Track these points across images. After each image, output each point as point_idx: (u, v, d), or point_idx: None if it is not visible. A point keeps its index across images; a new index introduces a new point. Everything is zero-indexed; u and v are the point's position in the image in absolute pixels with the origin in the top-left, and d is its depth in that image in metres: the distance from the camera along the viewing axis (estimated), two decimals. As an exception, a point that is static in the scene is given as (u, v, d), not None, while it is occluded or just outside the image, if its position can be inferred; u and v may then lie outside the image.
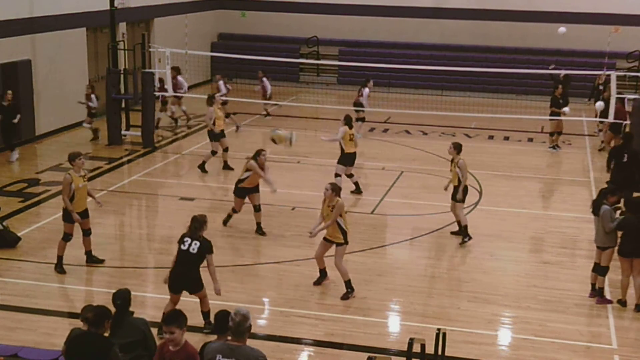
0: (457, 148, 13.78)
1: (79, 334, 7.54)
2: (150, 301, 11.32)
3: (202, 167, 17.98)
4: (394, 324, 11.18)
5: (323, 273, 11.93)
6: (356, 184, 16.50)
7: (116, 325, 7.68)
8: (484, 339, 10.53)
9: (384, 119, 23.63)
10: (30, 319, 10.69)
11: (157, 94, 21.11)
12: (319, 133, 19.74)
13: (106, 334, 7.36)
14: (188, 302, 10.17)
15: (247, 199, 14.10)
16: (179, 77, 22.06)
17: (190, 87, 25.92)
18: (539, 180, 18.42)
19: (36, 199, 15.86)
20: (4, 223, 13.58)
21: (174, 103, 22.44)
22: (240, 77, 27.84)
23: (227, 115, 21.17)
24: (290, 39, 30.34)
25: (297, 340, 10.35)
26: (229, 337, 6.82)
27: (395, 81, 27.79)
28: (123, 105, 20.86)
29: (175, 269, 9.97)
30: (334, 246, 11.53)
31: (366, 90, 21.51)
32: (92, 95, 20.22)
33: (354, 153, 16.19)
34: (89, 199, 12.43)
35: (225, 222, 14.36)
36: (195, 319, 10.10)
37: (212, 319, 9.62)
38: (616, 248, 11.49)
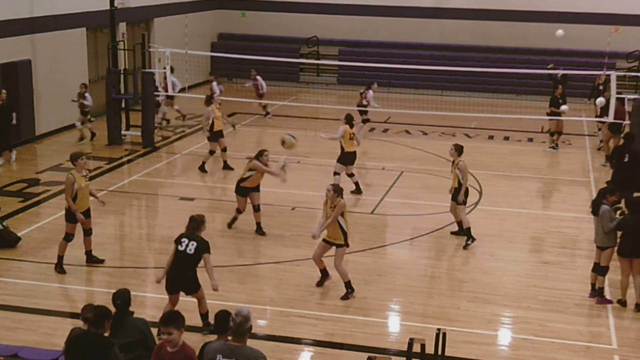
0: (459, 150, 13.75)
1: (79, 334, 7.54)
2: (150, 301, 11.32)
3: (202, 168, 18.00)
4: (394, 324, 11.18)
5: (324, 273, 11.88)
6: (356, 183, 16.49)
7: (116, 325, 7.68)
8: (484, 339, 10.53)
9: (384, 119, 23.62)
10: (30, 319, 10.69)
11: (160, 93, 21.14)
12: (319, 133, 19.69)
13: (106, 334, 7.36)
14: (187, 303, 10.17)
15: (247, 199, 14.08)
16: (172, 77, 22.04)
17: (190, 87, 25.90)
18: (538, 180, 18.40)
19: (36, 199, 15.86)
20: (4, 223, 13.57)
21: (167, 104, 22.44)
22: (240, 77, 27.82)
23: None
24: (290, 39, 30.33)
25: (297, 340, 10.34)
26: (229, 337, 6.82)
27: (395, 81, 27.74)
28: (123, 105, 20.87)
29: (171, 269, 9.96)
30: (333, 247, 11.51)
31: (370, 92, 21.46)
32: (87, 94, 20.20)
33: (354, 152, 16.19)
34: (91, 198, 12.45)
35: (230, 225, 14.20)
36: (194, 319, 10.11)
37: (210, 320, 9.64)
38: (616, 248, 11.50)
